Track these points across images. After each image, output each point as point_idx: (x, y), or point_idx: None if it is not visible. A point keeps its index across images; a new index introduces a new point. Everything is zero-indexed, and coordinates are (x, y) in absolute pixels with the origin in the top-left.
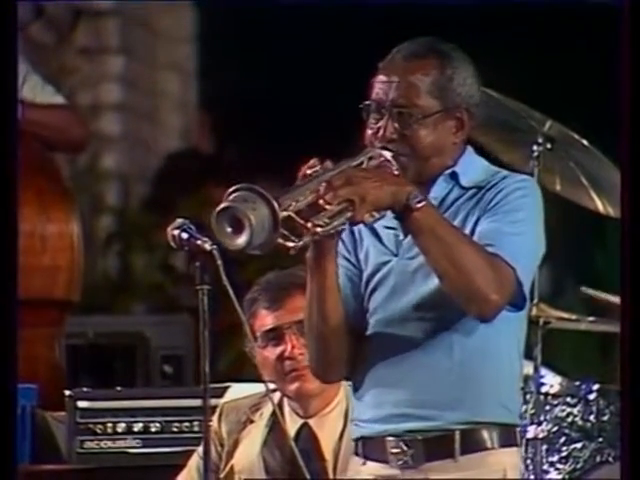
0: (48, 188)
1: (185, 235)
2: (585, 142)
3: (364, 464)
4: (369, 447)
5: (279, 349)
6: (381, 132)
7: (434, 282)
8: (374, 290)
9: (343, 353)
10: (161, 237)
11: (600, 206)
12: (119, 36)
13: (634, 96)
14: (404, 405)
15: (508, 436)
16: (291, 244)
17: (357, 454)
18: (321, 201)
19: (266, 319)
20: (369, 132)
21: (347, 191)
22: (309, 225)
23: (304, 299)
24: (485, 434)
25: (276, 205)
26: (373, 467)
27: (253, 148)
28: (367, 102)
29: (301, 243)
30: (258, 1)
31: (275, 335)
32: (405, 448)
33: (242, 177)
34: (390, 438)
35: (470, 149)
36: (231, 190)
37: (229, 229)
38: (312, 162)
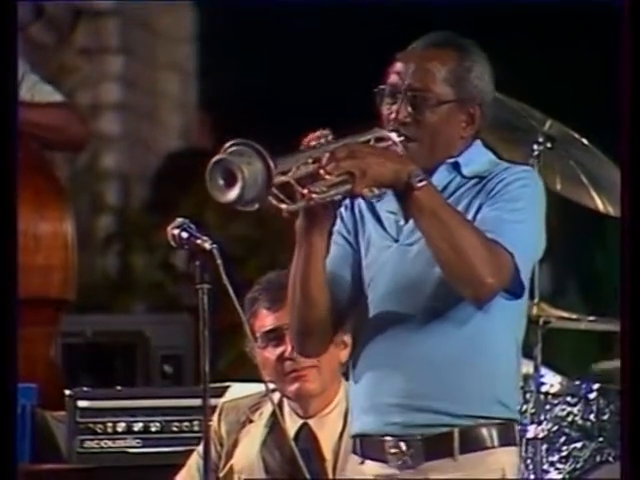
0: (42, 187)
1: (185, 234)
2: (585, 141)
3: (362, 463)
4: (367, 446)
5: (279, 350)
6: (394, 115)
7: (432, 270)
8: (374, 277)
9: (322, 328)
10: (161, 236)
11: (600, 205)
12: (119, 36)
13: (634, 96)
14: (399, 395)
15: (507, 435)
16: (284, 206)
17: (355, 452)
18: (322, 171)
19: (266, 319)
20: (383, 115)
21: (349, 163)
22: (305, 191)
23: None
24: (485, 432)
25: (271, 162)
26: (372, 466)
27: None
28: (382, 86)
29: (294, 206)
30: (258, 1)
31: (275, 336)
32: (404, 448)
33: None
34: (389, 438)
35: (478, 142)
36: (228, 144)
37: (221, 182)
38: (319, 133)
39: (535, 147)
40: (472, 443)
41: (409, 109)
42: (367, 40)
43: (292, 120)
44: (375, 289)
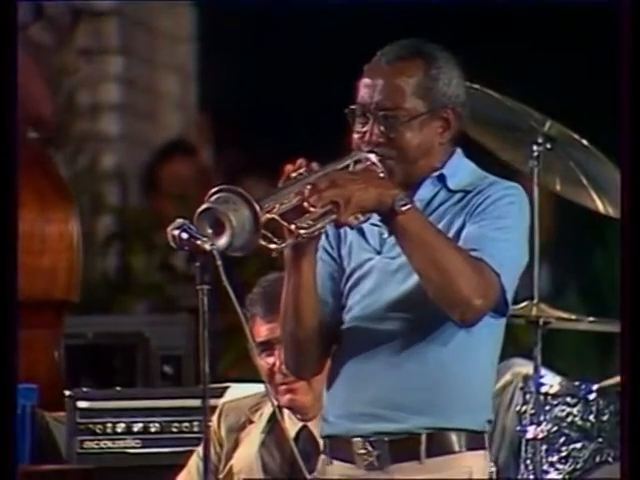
0: (47, 188)
1: (185, 235)
2: (585, 142)
3: (330, 463)
4: (336, 446)
5: (270, 361)
6: (367, 136)
7: (413, 283)
8: (353, 287)
9: (316, 351)
10: (161, 237)
11: (600, 206)
12: (119, 36)
13: (634, 96)
14: (373, 405)
15: (476, 440)
16: (273, 246)
17: (324, 453)
18: (305, 204)
19: (260, 329)
20: (356, 136)
21: (332, 193)
22: (292, 227)
23: None
24: (453, 437)
25: (257, 207)
26: (339, 467)
27: (253, 148)
28: (352, 106)
29: (284, 245)
30: (259, 1)
31: (266, 347)
32: (370, 449)
33: (241, 177)
34: (357, 439)
35: (459, 152)
36: (212, 191)
37: (210, 230)
38: (298, 163)
39: (535, 148)
40: (439, 447)
41: (381, 128)
42: (370, 41)
43: (292, 120)
44: (353, 299)
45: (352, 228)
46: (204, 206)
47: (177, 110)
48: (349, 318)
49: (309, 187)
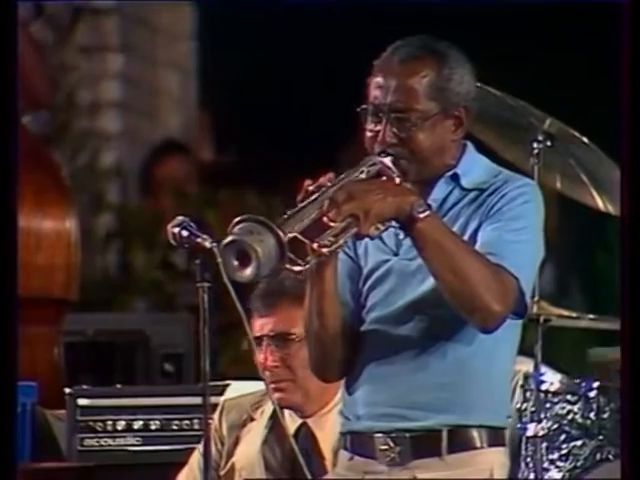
0: (46, 185)
1: (185, 233)
2: (585, 139)
3: (351, 459)
4: (357, 442)
5: (261, 358)
6: (380, 137)
7: (432, 284)
8: (372, 288)
9: (341, 355)
10: (161, 235)
11: (600, 204)
12: (119, 34)
13: (634, 94)
14: (395, 406)
15: (496, 436)
16: (298, 268)
17: (345, 448)
18: (325, 219)
19: (255, 324)
20: (368, 135)
21: (351, 206)
22: (315, 246)
23: (290, 309)
24: (474, 433)
25: (282, 234)
26: (361, 462)
27: (253, 147)
28: (364, 106)
29: (308, 266)
30: None
31: (259, 343)
32: (392, 445)
33: (241, 176)
34: (378, 435)
35: (471, 147)
36: (235, 222)
37: (236, 262)
38: (327, 177)
39: (535, 145)
40: (460, 443)
41: (394, 130)
42: (372, 41)
43: (293, 119)
44: (373, 300)
45: (372, 239)
46: (229, 238)
47: (177, 108)
48: (369, 319)
49: (327, 202)
